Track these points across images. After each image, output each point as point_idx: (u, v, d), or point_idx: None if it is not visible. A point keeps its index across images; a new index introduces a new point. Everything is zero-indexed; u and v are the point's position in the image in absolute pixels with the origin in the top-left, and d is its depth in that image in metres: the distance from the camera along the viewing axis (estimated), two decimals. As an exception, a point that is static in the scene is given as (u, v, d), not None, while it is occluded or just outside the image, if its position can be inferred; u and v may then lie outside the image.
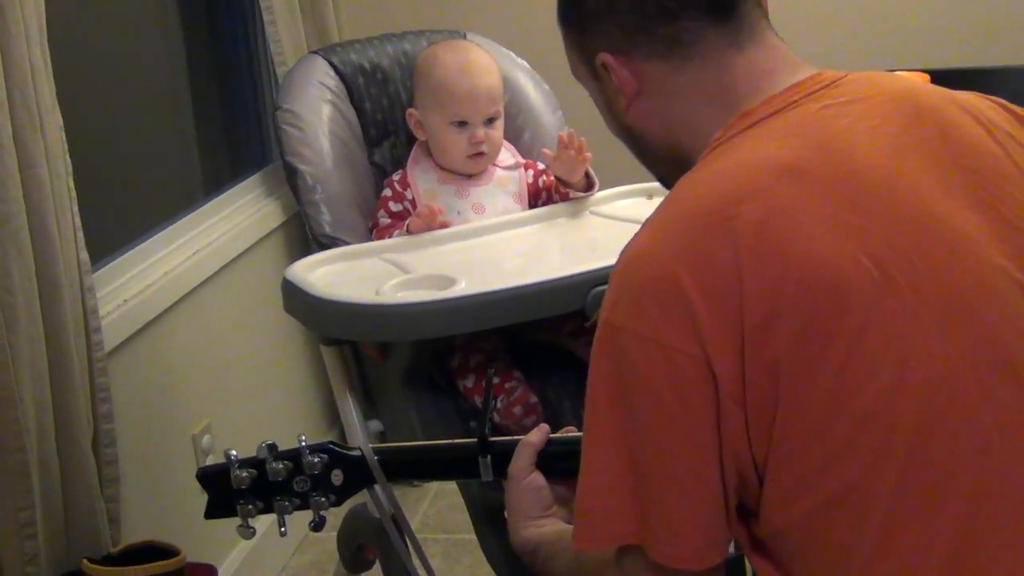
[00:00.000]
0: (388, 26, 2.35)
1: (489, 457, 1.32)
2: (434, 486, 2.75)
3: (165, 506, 2.13)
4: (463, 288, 1.67)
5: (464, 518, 1.90)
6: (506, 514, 1.30)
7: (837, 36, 2.79)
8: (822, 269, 0.96)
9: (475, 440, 1.33)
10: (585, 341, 1.90)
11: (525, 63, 2.27)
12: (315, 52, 2.20)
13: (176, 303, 2.17)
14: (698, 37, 1.10)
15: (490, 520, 1.82)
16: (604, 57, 1.14)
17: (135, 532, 1.93)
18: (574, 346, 1.91)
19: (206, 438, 2.27)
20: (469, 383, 1.83)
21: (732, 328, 0.96)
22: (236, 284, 2.41)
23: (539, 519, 1.26)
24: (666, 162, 1.19)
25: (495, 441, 1.33)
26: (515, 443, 1.30)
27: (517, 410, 1.79)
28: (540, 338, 1.93)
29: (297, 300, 1.76)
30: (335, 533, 2.29)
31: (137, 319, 2.05)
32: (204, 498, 1.35)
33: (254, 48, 2.73)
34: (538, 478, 1.28)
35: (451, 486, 1.92)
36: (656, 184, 2.06)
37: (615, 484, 1.02)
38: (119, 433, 1.86)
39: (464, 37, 2.23)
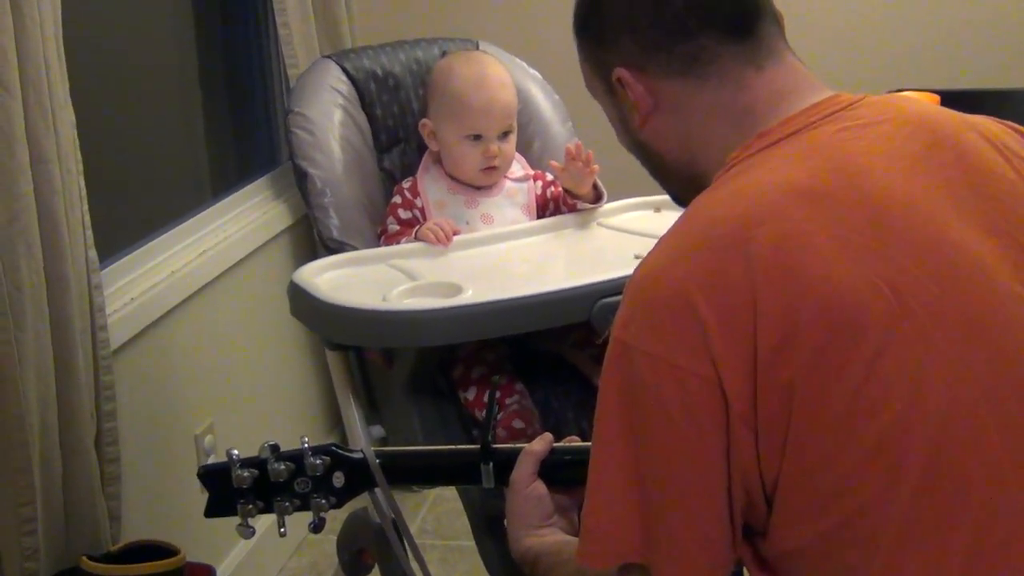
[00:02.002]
0: (401, 33, 2.36)
1: (491, 465, 1.32)
2: (433, 492, 2.75)
3: (166, 505, 2.13)
4: (470, 296, 1.67)
5: (462, 525, 1.90)
6: (506, 522, 1.31)
7: (847, 56, 2.79)
8: (838, 293, 0.96)
9: (478, 447, 1.33)
10: (589, 353, 1.90)
11: (536, 73, 2.28)
12: (328, 57, 2.21)
13: (182, 303, 2.17)
14: (716, 56, 1.10)
15: (489, 527, 1.82)
16: (620, 72, 1.14)
17: (135, 531, 1.93)
18: (577, 358, 1.91)
19: (208, 438, 2.28)
20: (470, 396, 1.82)
21: (745, 350, 0.96)
22: (243, 285, 2.41)
23: (540, 528, 1.26)
24: (680, 179, 1.19)
25: (497, 448, 1.33)
26: (517, 451, 1.31)
27: (501, 432, 1.78)
28: (544, 348, 1.93)
29: (303, 304, 1.76)
30: (334, 536, 2.29)
31: (143, 318, 2.05)
32: (204, 498, 1.35)
33: (266, 50, 2.74)
34: (540, 487, 1.28)
35: (450, 492, 1.92)
36: (664, 197, 2.08)
37: (622, 502, 1.02)
38: (122, 431, 1.86)
39: (476, 46, 2.24)
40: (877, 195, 1.02)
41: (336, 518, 2.43)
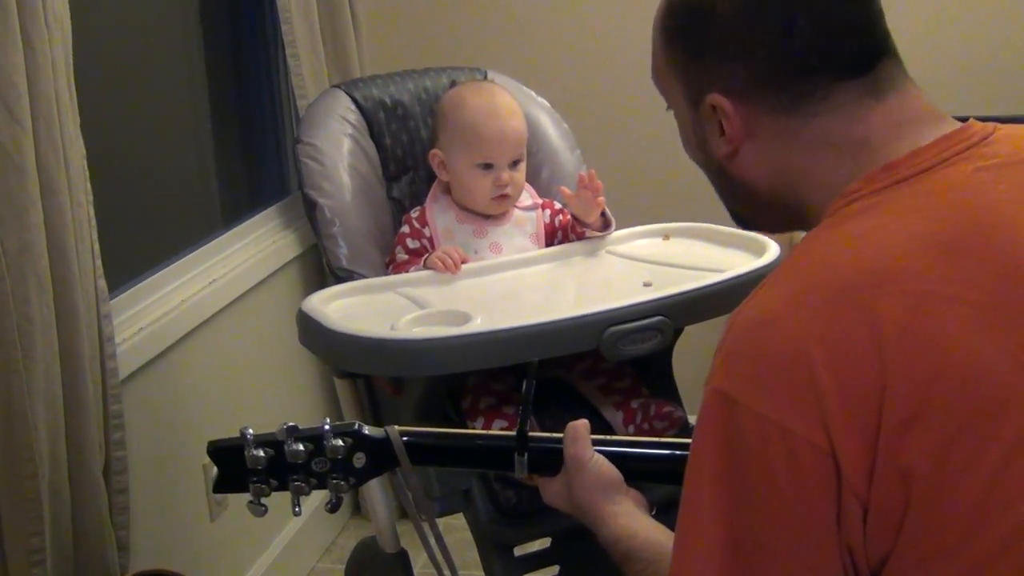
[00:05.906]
0: (409, 62, 2.37)
1: (526, 455, 1.28)
2: (442, 522, 2.73)
3: (174, 535, 2.13)
4: (478, 325, 1.67)
5: (472, 555, 1.89)
6: (570, 501, 1.25)
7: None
8: (979, 370, 0.87)
9: (512, 433, 1.29)
10: (595, 384, 1.90)
11: (545, 102, 2.29)
12: (337, 86, 2.22)
13: (191, 332, 2.18)
14: (830, 92, 1.01)
15: (499, 556, 1.82)
16: (717, 99, 1.04)
17: (143, 560, 1.93)
18: (584, 387, 1.91)
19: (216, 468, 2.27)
20: (479, 426, 1.82)
21: (867, 422, 0.87)
22: (252, 314, 2.42)
23: (616, 498, 1.22)
24: (765, 207, 1.09)
25: (534, 438, 1.30)
26: (553, 441, 1.27)
27: None
28: (551, 376, 1.93)
29: (312, 332, 1.76)
30: (342, 566, 2.28)
31: (152, 347, 2.05)
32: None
33: (276, 81, 2.75)
34: (601, 457, 1.24)
35: (460, 521, 1.91)
36: (672, 225, 2.09)
37: (713, 571, 0.93)
38: (131, 461, 1.86)
39: (485, 75, 2.25)
40: (1021, 254, 0.92)
41: (346, 547, 2.42)
